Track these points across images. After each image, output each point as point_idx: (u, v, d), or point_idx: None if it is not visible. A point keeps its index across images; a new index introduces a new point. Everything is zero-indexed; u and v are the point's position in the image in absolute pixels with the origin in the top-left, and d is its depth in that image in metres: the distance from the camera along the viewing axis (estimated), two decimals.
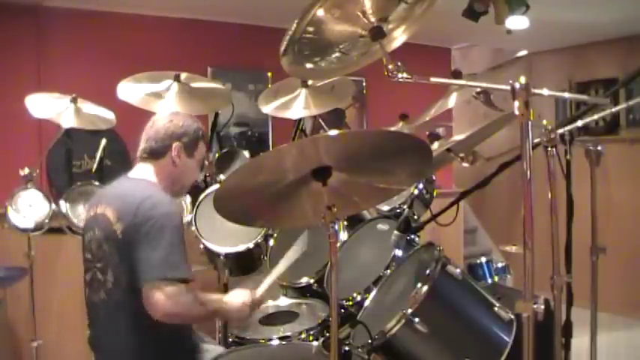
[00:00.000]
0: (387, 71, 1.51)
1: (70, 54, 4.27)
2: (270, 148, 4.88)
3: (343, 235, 2.73)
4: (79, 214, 3.02)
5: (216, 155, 3.30)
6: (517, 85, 1.44)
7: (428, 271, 1.91)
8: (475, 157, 2.34)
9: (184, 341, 2.09)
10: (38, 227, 3.05)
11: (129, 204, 1.97)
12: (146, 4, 4.44)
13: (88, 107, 3.06)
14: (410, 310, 1.83)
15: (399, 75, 1.50)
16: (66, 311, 3.71)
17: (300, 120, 3.30)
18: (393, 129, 2.67)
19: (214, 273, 2.74)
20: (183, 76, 2.92)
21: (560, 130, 1.98)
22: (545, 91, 1.54)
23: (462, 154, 2.34)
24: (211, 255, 2.73)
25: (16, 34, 4.14)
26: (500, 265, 3.49)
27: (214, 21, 4.83)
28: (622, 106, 2.59)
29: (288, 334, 2.36)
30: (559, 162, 1.97)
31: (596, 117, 2.13)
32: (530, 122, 1.46)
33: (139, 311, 1.94)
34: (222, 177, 2.97)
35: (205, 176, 2.97)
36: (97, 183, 3.10)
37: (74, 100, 3.00)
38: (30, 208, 3.04)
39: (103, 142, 3.31)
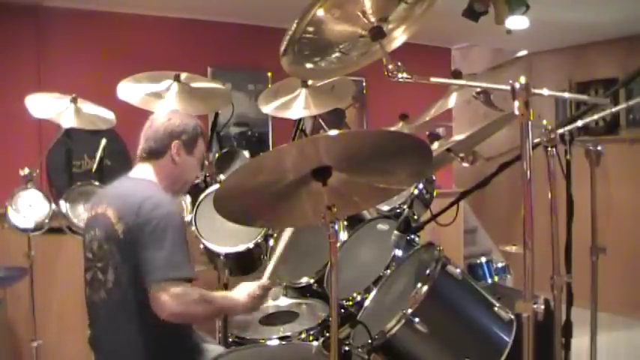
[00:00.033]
0: (387, 71, 1.51)
1: (70, 54, 4.27)
2: (270, 148, 4.88)
3: (343, 235, 2.73)
4: (79, 214, 3.02)
5: (216, 155, 3.29)
6: (517, 85, 1.44)
7: (428, 271, 1.91)
8: (475, 157, 2.34)
9: (185, 341, 2.09)
10: (38, 227, 3.04)
11: (130, 204, 1.98)
12: (146, 4, 4.44)
13: (88, 107, 3.06)
14: (410, 310, 1.83)
15: (399, 75, 1.50)
16: (66, 311, 3.71)
17: (300, 120, 3.30)
18: (393, 129, 2.67)
19: (214, 273, 2.74)
20: (183, 76, 2.92)
21: (560, 130, 1.98)
22: (545, 91, 1.54)
23: (462, 154, 2.34)
24: (211, 255, 2.73)
25: (16, 34, 4.14)
26: (500, 265, 3.49)
27: (214, 21, 4.83)
28: (622, 106, 2.59)
29: (288, 334, 2.36)
30: (559, 162, 1.97)
31: (596, 117, 2.13)
32: (530, 122, 1.45)
33: (139, 311, 1.95)
34: (222, 177, 2.97)
35: (205, 176, 2.97)
36: (97, 183, 3.09)
37: (74, 100, 3.00)
38: (30, 208, 3.04)
39: (103, 142, 3.31)
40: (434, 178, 2.77)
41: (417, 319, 1.83)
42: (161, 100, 2.84)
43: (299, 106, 3.08)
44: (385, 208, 2.72)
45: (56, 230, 3.10)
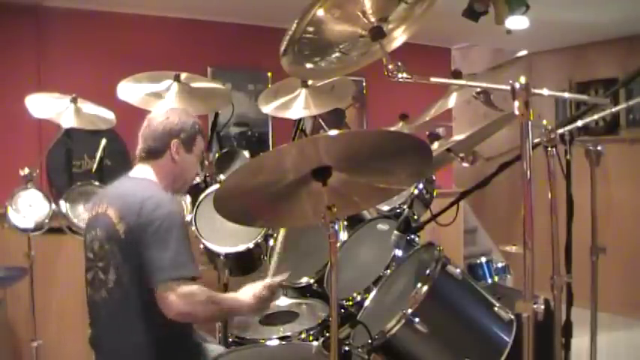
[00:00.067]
0: (387, 71, 1.51)
1: (70, 54, 4.27)
2: (270, 148, 4.88)
3: (343, 235, 2.73)
4: (79, 214, 3.02)
5: (216, 155, 3.29)
6: (517, 85, 1.44)
7: (428, 271, 1.91)
8: (475, 157, 2.34)
9: (185, 340, 2.09)
10: (38, 227, 3.05)
11: (131, 204, 1.98)
12: (146, 4, 4.44)
13: (88, 107, 3.06)
14: (410, 310, 1.83)
15: (399, 75, 1.50)
16: (66, 311, 3.71)
17: (300, 120, 3.29)
18: (393, 129, 2.66)
19: (214, 273, 2.74)
20: (183, 76, 2.92)
21: (560, 130, 1.98)
22: (545, 91, 1.54)
23: (462, 154, 2.34)
24: (211, 255, 2.73)
25: (16, 34, 4.14)
26: (500, 265, 3.49)
27: (214, 21, 4.83)
28: (622, 106, 2.59)
29: (288, 334, 2.36)
30: (559, 162, 1.97)
31: (596, 117, 2.13)
32: (530, 122, 1.45)
33: (140, 310, 1.95)
34: (222, 177, 2.97)
35: (205, 176, 2.97)
36: (97, 183, 3.09)
37: (74, 100, 3.00)
38: (30, 208, 3.04)
39: (103, 142, 3.31)
40: (434, 178, 2.77)
41: (417, 319, 1.82)
42: (161, 100, 2.84)
43: (299, 106, 3.08)
44: (385, 208, 2.72)
45: (56, 230, 3.11)
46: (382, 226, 2.68)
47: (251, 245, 2.64)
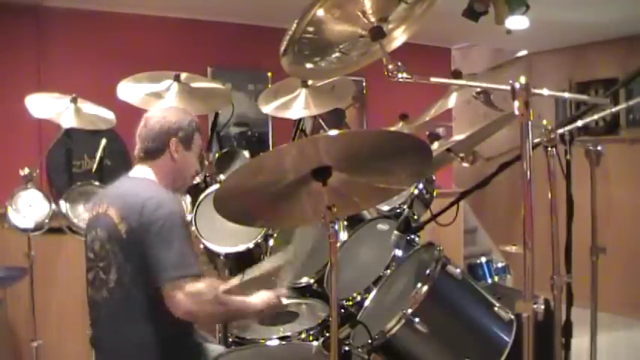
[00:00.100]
0: (387, 71, 1.51)
1: (70, 54, 4.27)
2: (270, 148, 4.88)
3: (343, 235, 2.73)
4: (79, 214, 3.02)
5: (216, 155, 3.29)
6: (517, 85, 1.44)
7: (428, 271, 1.91)
8: (475, 157, 2.34)
9: (186, 340, 2.09)
10: (38, 227, 3.05)
11: (132, 204, 1.98)
12: (146, 4, 4.44)
13: (88, 107, 3.06)
14: (410, 310, 1.83)
15: (399, 75, 1.50)
16: (66, 311, 3.71)
17: (300, 120, 3.29)
18: (393, 129, 2.66)
19: (214, 273, 2.74)
20: (183, 76, 2.92)
21: (560, 130, 1.98)
22: (545, 91, 1.54)
23: (462, 154, 2.34)
24: (211, 255, 2.73)
25: (16, 34, 4.14)
26: (500, 265, 3.49)
27: (214, 21, 4.83)
28: (622, 106, 2.59)
29: (288, 334, 2.36)
30: (559, 162, 1.97)
31: (596, 117, 2.13)
32: (530, 122, 1.45)
33: (141, 310, 1.96)
34: (222, 177, 2.97)
35: (205, 176, 2.97)
36: (97, 183, 3.09)
37: (74, 100, 3.00)
38: (30, 208, 3.05)
39: (103, 142, 3.31)
40: (434, 178, 2.76)
41: (417, 319, 1.83)
42: (161, 100, 2.84)
43: (299, 106, 3.08)
44: (385, 208, 2.72)
45: (56, 230, 3.11)
46: (382, 226, 2.68)
47: (251, 245, 2.64)
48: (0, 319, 3.65)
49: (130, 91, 2.85)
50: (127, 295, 1.98)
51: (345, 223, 2.76)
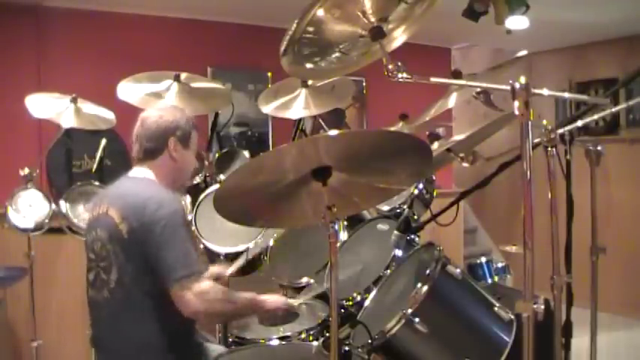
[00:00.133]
0: (387, 71, 1.51)
1: (70, 54, 4.27)
2: (270, 148, 4.88)
3: (343, 235, 2.73)
4: (79, 214, 3.02)
5: (216, 155, 3.29)
6: (517, 85, 1.44)
7: (428, 271, 1.91)
8: (475, 157, 2.34)
9: (188, 340, 2.09)
10: (38, 227, 3.05)
11: (133, 204, 1.98)
12: (146, 4, 4.44)
13: (88, 107, 3.06)
14: (410, 310, 1.83)
15: (399, 75, 1.50)
16: (66, 311, 3.71)
17: (300, 120, 3.29)
18: (393, 129, 2.66)
19: None
20: (183, 76, 2.92)
21: (560, 130, 1.98)
22: (545, 91, 1.54)
23: (462, 154, 2.34)
24: (211, 255, 2.72)
25: (16, 34, 4.14)
26: (500, 265, 3.49)
27: (214, 21, 4.83)
28: (622, 106, 2.59)
29: (288, 334, 2.36)
30: (559, 162, 1.97)
31: (596, 117, 2.13)
32: (530, 122, 1.45)
33: (142, 310, 1.96)
34: (222, 177, 2.97)
35: (205, 176, 2.97)
36: (97, 183, 3.09)
37: (74, 100, 3.00)
38: (30, 208, 3.05)
39: (103, 142, 3.31)
40: (434, 178, 2.76)
41: (417, 319, 1.82)
42: (161, 100, 2.83)
43: (299, 106, 3.08)
44: (385, 208, 2.72)
45: (56, 230, 3.11)
46: (382, 226, 2.68)
47: (251, 245, 2.64)
48: (0, 319, 3.65)
49: (130, 91, 2.85)
50: (127, 295, 1.97)
51: (345, 223, 2.76)
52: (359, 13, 1.54)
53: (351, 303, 2.33)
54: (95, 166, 3.34)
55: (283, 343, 2.31)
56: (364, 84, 5.46)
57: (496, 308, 1.95)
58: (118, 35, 4.43)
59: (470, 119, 5.79)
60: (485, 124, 2.23)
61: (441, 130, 2.96)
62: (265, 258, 2.76)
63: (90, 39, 4.35)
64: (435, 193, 2.72)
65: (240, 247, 2.64)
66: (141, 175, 2.12)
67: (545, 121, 1.90)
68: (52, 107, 2.99)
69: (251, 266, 2.79)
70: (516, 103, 1.44)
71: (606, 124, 5.61)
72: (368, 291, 2.28)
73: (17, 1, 4.06)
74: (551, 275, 1.87)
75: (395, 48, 1.66)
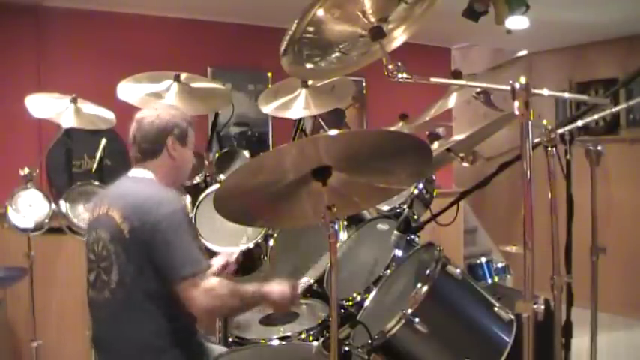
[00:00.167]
0: (387, 71, 1.51)
1: (70, 54, 4.27)
2: (270, 148, 4.88)
3: (343, 235, 2.73)
4: (79, 214, 3.02)
5: (216, 155, 3.29)
6: (517, 85, 1.44)
7: (428, 271, 1.91)
8: (475, 157, 2.34)
9: (189, 340, 2.09)
10: (38, 227, 3.05)
11: (134, 203, 1.98)
12: (146, 4, 4.44)
13: (88, 107, 3.06)
14: (410, 310, 1.83)
15: (399, 75, 1.50)
16: (66, 311, 3.71)
17: (300, 120, 3.29)
18: (393, 129, 2.67)
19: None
20: (183, 76, 2.92)
21: (560, 130, 1.98)
22: (545, 91, 1.54)
23: (462, 154, 2.34)
24: (211, 255, 2.72)
25: (16, 34, 4.14)
26: (500, 265, 3.49)
27: (214, 21, 4.83)
28: (622, 106, 2.59)
29: (288, 334, 2.36)
30: (559, 162, 1.97)
31: (596, 117, 2.13)
32: (530, 122, 1.46)
33: (143, 310, 1.95)
34: (222, 177, 2.97)
35: (205, 176, 2.97)
36: (97, 183, 3.09)
37: (74, 100, 3.00)
38: (30, 208, 3.05)
39: (103, 142, 3.31)
40: (434, 178, 2.77)
41: (417, 319, 1.83)
42: (161, 100, 2.84)
43: (299, 106, 3.08)
44: (385, 208, 2.72)
45: (56, 230, 3.11)
46: (382, 226, 2.68)
47: (251, 245, 2.64)
48: (0, 319, 3.65)
49: (130, 91, 2.85)
50: (128, 296, 1.97)
51: (345, 223, 2.76)
52: (359, 13, 1.54)
53: (351, 303, 2.34)
54: (95, 166, 3.34)
55: (283, 343, 2.31)
56: (364, 84, 5.46)
57: (496, 308, 1.95)
58: (118, 35, 4.43)
59: (470, 119, 5.79)
60: (486, 124, 2.23)
61: (441, 130, 2.97)
62: (265, 258, 2.76)
63: (90, 39, 4.35)
64: (435, 193, 2.72)
65: (240, 247, 2.64)
66: (141, 175, 2.12)
67: (545, 121, 1.90)
68: (52, 107, 2.99)
69: (251, 266, 2.79)
70: (516, 103, 1.44)
71: (606, 124, 5.61)
72: (368, 291, 2.28)
73: (17, 1, 4.06)
74: (551, 275, 1.87)
75: (395, 48, 1.66)
